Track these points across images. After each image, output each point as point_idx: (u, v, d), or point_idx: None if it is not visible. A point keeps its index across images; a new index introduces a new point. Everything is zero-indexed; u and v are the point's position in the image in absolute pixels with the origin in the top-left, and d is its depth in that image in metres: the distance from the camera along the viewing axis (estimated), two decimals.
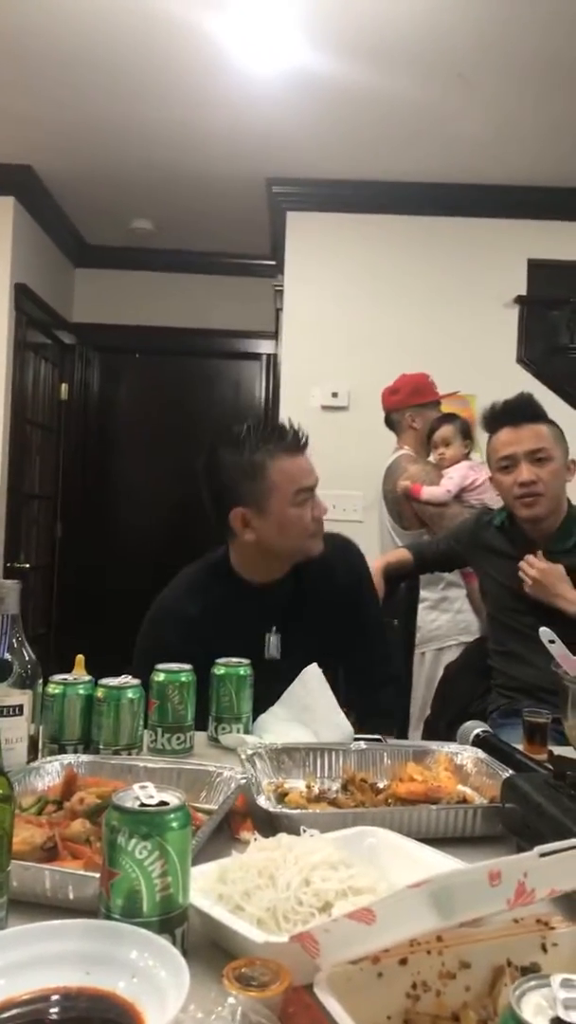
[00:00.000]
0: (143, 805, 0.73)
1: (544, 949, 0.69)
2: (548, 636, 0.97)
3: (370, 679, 1.64)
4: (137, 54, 2.96)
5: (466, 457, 3.21)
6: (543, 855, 0.61)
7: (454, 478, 3.08)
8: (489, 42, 2.84)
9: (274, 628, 1.65)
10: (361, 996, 0.62)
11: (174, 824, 0.72)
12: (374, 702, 1.55)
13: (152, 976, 0.65)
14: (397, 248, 4.01)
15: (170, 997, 0.61)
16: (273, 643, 1.64)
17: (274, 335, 4.68)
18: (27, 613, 4.38)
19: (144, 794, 0.74)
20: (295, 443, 1.58)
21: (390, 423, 3.26)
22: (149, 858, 0.71)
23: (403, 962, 0.65)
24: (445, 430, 3.21)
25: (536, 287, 4.00)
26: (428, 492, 3.02)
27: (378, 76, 3.04)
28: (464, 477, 3.10)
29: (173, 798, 0.74)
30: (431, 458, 3.25)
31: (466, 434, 3.23)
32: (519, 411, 1.96)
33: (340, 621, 1.68)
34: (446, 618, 3.05)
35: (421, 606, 2.90)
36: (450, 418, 3.26)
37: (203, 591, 1.66)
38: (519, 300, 3.97)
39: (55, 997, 0.65)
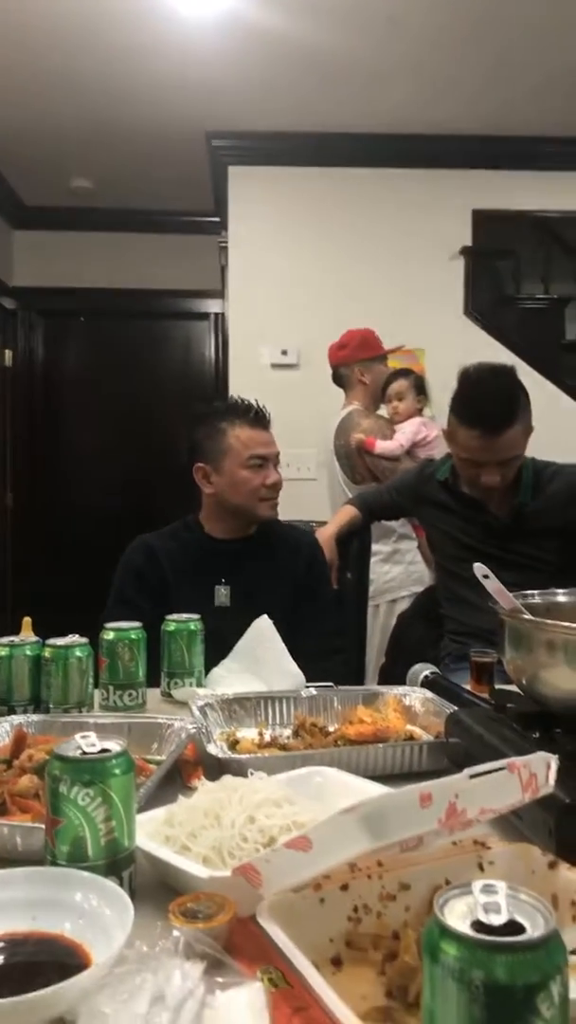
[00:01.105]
0: (84, 753, 0.73)
1: (481, 868, 0.71)
2: (482, 571, 0.98)
3: (318, 648, 1.68)
4: (69, 4, 2.85)
5: (419, 412, 3.24)
6: (473, 776, 0.63)
7: (407, 432, 3.11)
8: None
9: (223, 580, 1.80)
10: (304, 922, 0.64)
11: (116, 770, 0.73)
12: (320, 669, 1.59)
13: (97, 916, 0.66)
14: (340, 201, 3.97)
15: (115, 934, 0.63)
16: (223, 593, 1.80)
17: (221, 294, 4.63)
18: None
19: (86, 743, 0.75)
20: (256, 418, 1.83)
21: (338, 379, 3.25)
22: (92, 804, 0.71)
23: (344, 888, 0.67)
24: (399, 384, 3.24)
25: (481, 238, 4.00)
26: (381, 446, 3.03)
27: (313, 25, 2.98)
28: (416, 432, 3.13)
29: (115, 745, 0.75)
30: (384, 412, 3.26)
31: (419, 389, 3.26)
32: (496, 419, 1.77)
33: (292, 594, 1.81)
34: (399, 570, 3.09)
35: (374, 559, 2.93)
36: (404, 373, 3.30)
37: (171, 536, 1.89)
38: (464, 251, 3.96)
39: (1, 944, 0.65)
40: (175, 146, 3.99)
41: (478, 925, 0.45)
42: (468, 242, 3.97)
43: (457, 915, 0.47)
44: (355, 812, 0.59)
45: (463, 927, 0.45)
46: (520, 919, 0.46)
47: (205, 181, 4.32)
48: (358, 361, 3.18)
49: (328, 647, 1.77)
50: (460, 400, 1.83)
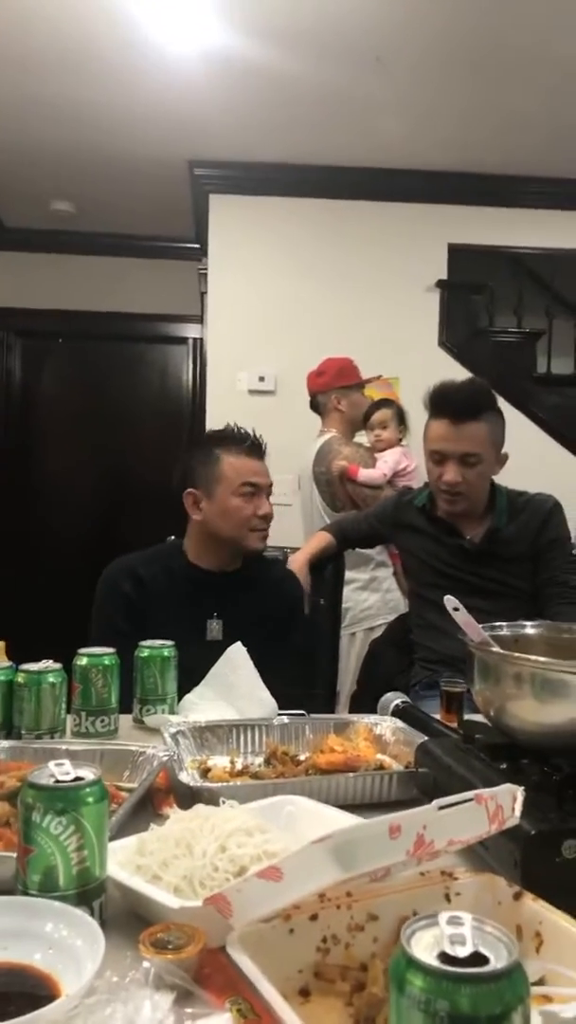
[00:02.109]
0: (58, 782, 0.74)
1: (448, 899, 0.72)
2: (452, 604, 1.00)
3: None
4: (53, 31, 2.89)
5: (399, 442, 3.30)
6: (441, 808, 0.65)
7: (388, 461, 3.16)
8: (407, 26, 2.87)
9: (215, 614, 1.77)
10: (273, 953, 0.64)
11: (89, 799, 0.73)
12: None
13: (68, 946, 0.66)
14: (320, 232, 4.04)
15: (86, 964, 0.63)
16: (215, 627, 1.77)
17: (200, 319, 4.66)
18: None
19: (60, 771, 0.75)
20: (252, 447, 1.80)
21: (315, 406, 3.29)
22: (65, 833, 0.72)
23: (313, 918, 0.68)
24: (382, 413, 3.32)
25: (457, 271, 4.09)
26: (365, 474, 3.07)
27: (298, 59, 3.05)
28: (397, 462, 3.19)
29: (89, 773, 0.75)
30: (366, 441, 3.32)
31: (401, 419, 3.32)
32: (463, 407, 1.88)
33: (271, 632, 1.78)
34: (376, 598, 3.11)
35: (352, 587, 2.95)
36: (387, 403, 3.38)
37: (154, 561, 1.83)
38: (440, 284, 4.04)
39: None
40: (157, 173, 4.03)
41: (444, 956, 0.47)
42: (444, 275, 4.06)
43: (424, 946, 0.48)
44: (326, 843, 0.60)
45: (429, 958, 0.46)
46: (484, 951, 0.47)
47: (186, 208, 4.37)
48: (335, 389, 3.22)
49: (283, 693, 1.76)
50: (432, 395, 1.95)
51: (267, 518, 1.79)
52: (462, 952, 0.47)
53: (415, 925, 0.49)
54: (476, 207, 4.06)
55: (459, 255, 4.09)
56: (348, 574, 2.67)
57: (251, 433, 1.83)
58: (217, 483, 1.77)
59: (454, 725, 1.31)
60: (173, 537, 1.97)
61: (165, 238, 4.83)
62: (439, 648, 1.95)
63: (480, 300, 4.22)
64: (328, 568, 2.26)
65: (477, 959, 0.47)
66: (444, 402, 1.91)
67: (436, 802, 0.65)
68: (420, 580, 2.09)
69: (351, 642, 3.02)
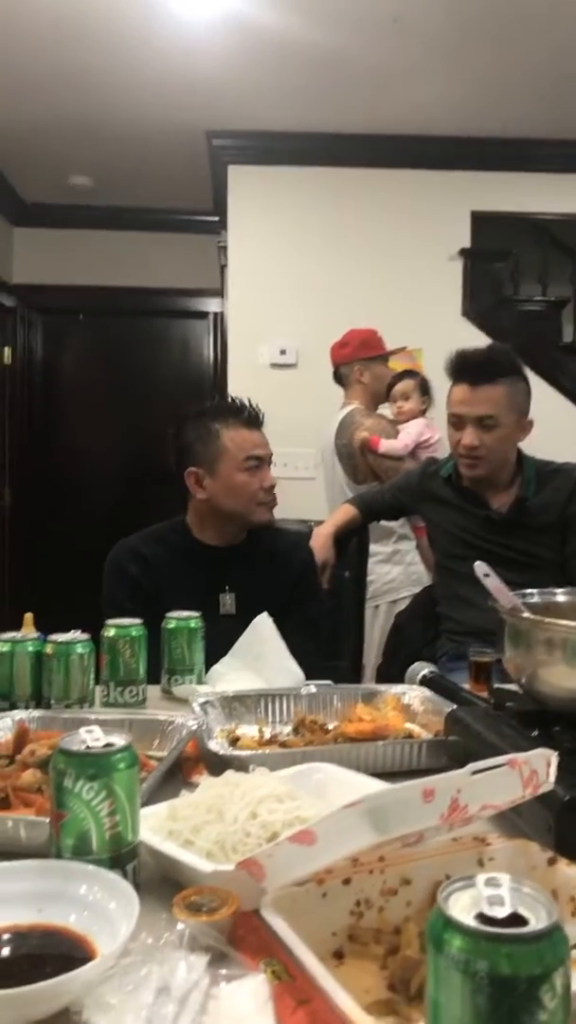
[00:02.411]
0: (89, 748, 0.74)
1: (481, 863, 0.72)
2: (483, 569, 0.99)
3: None
4: (68, 1, 2.85)
5: (422, 413, 3.26)
6: (475, 772, 0.64)
7: (411, 432, 3.12)
8: None
9: (227, 587, 1.76)
10: (307, 916, 0.65)
11: (121, 764, 0.73)
12: None
13: (102, 909, 0.67)
14: (341, 201, 3.98)
15: (120, 927, 0.63)
16: (228, 601, 1.75)
17: (220, 293, 4.63)
18: None
19: (91, 737, 0.75)
20: (251, 418, 1.77)
21: (338, 377, 3.26)
22: (97, 798, 0.72)
23: (347, 882, 0.68)
24: (405, 384, 3.28)
25: (480, 239, 4.01)
26: (386, 445, 3.04)
27: (313, 24, 2.98)
28: (420, 433, 3.15)
29: (119, 740, 0.75)
30: (389, 412, 3.28)
31: (424, 390, 3.28)
32: (479, 370, 1.90)
33: (286, 602, 1.75)
34: (399, 570, 3.09)
35: (374, 560, 2.94)
36: (411, 374, 3.35)
37: (158, 540, 1.81)
38: (463, 253, 3.97)
39: (7, 936, 0.66)
40: (175, 144, 3.99)
41: (482, 917, 0.46)
42: (467, 244, 3.98)
43: (461, 907, 0.47)
44: (358, 807, 0.60)
45: (467, 919, 0.46)
46: (523, 912, 0.46)
47: (205, 180, 4.32)
48: (358, 360, 3.18)
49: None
50: (452, 361, 1.96)
51: (272, 489, 1.78)
52: (500, 913, 0.46)
53: (452, 887, 0.49)
54: (499, 173, 3.97)
55: (482, 222, 4.01)
56: (371, 547, 2.66)
57: (247, 403, 1.79)
58: (219, 460, 1.73)
59: (483, 695, 1.30)
60: None
61: (184, 211, 4.79)
62: (466, 620, 1.94)
63: (504, 268, 4.15)
64: (352, 541, 2.25)
65: (516, 920, 0.46)
66: (462, 366, 1.92)
67: (470, 766, 0.64)
68: (446, 552, 2.07)
69: (375, 615, 3.01)
